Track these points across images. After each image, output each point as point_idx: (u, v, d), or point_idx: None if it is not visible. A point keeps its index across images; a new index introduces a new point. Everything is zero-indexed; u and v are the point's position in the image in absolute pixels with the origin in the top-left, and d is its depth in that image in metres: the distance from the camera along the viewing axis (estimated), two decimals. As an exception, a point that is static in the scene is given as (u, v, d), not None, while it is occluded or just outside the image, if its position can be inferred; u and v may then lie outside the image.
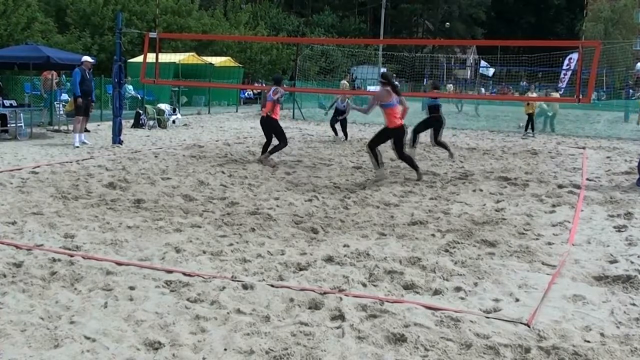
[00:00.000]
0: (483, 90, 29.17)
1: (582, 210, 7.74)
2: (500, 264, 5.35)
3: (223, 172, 9.96)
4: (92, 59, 14.35)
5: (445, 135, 18.59)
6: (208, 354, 3.49)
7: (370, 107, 9.90)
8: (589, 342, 3.77)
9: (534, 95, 20.34)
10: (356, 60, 36.53)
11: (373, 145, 9.57)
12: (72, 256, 5.15)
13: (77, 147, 12.47)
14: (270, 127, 11.25)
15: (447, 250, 5.68)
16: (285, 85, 15.43)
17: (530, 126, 19.04)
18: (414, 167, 9.85)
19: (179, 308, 4.13)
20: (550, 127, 20.26)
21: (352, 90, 27.89)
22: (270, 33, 40.99)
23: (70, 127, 15.05)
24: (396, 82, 12.57)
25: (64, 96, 17.53)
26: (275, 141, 11.27)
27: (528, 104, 18.64)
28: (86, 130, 14.09)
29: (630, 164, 12.50)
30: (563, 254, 5.67)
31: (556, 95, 22.18)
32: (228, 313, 4.06)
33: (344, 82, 18.89)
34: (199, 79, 25.88)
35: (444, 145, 12.66)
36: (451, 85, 38.95)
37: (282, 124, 11.72)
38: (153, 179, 9.06)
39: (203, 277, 4.74)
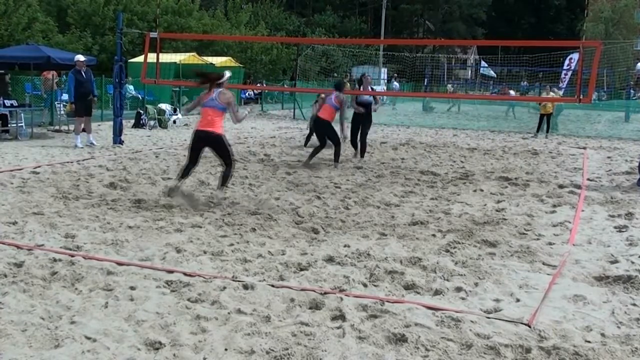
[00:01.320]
0: (512, 92, 29.04)
1: (582, 211, 7.74)
2: (501, 264, 5.35)
3: (224, 172, 9.95)
4: (85, 57, 14.26)
5: (446, 135, 18.73)
6: (209, 354, 3.49)
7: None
8: (589, 342, 3.77)
9: (552, 95, 20.28)
10: (357, 60, 36.51)
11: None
12: (72, 256, 5.15)
13: (82, 147, 12.45)
14: (325, 128, 11.02)
15: (447, 251, 5.68)
16: (347, 89, 14.18)
17: (546, 127, 19.00)
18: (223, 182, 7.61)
19: (179, 308, 4.13)
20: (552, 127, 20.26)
21: (352, 90, 27.87)
22: (271, 33, 40.94)
23: (71, 127, 15.06)
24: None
25: (65, 96, 17.50)
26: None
27: (546, 104, 18.61)
28: (86, 131, 14.07)
29: (631, 164, 12.50)
30: (564, 254, 5.67)
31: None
32: (229, 313, 4.06)
33: (345, 82, 18.88)
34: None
35: (363, 146, 12.03)
36: (450, 85, 38.93)
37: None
38: (154, 179, 9.07)
39: (204, 277, 4.75)
